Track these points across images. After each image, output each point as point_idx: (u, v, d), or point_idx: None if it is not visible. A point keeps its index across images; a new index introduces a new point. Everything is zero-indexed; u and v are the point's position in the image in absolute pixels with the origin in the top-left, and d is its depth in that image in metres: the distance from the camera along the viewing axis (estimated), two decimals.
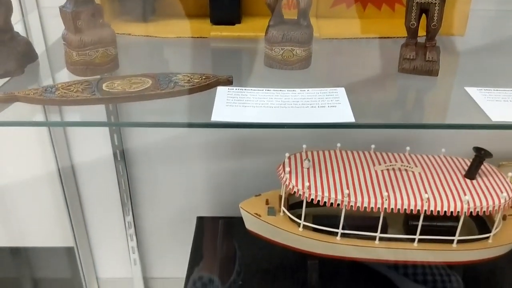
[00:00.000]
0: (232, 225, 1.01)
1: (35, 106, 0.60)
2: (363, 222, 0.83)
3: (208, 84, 0.62)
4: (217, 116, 0.57)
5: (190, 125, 0.66)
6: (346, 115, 0.57)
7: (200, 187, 1.08)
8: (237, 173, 1.06)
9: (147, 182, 1.09)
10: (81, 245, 1.19)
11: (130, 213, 1.11)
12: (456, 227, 0.79)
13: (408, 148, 0.88)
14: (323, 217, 0.84)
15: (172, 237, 1.15)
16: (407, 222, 0.84)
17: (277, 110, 0.58)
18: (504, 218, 0.85)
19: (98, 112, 0.62)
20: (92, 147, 1.06)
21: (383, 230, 0.81)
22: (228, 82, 0.63)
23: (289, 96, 0.61)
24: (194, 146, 1.04)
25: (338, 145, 0.88)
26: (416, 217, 0.80)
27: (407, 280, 0.87)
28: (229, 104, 0.59)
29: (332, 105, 0.59)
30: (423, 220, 0.79)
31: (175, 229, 1.14)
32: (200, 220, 1.06)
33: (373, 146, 0.88)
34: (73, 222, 1.15)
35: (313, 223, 0.82)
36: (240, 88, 0.63)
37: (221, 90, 0.62)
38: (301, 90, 0.62)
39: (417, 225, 0.79)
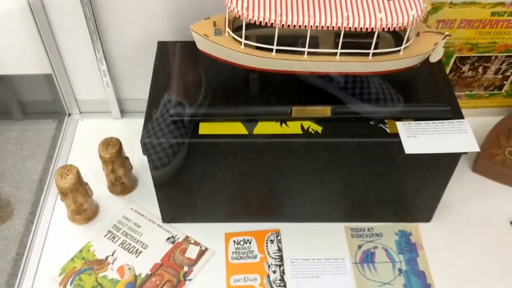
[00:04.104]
0: (189, 48, 1.13)
1: None
2: (297, 40, 0.96)
3: None
4: None
5: None
6: None
7: (161, 13, 1.17)
8: None
9: (112, 9, 1.18)
10: (58, 71, 1.32)
11: (98, 39, 1.21)
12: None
13: None
14: (263, 37, 0.97)
15: (137, 61, 1.28)
16: (335, 40, 0.98)
17: None
18: (417, 34, 0.98)
19: None
20: None
21: (313, 47, 0.94)
22: None
23: None
24: None
25: None
26: (341, 35, 0.93)
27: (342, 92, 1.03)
28: None
29: None
30: (347, 37, 0.92)
31: (139, 54, 1.26)
32: (161, 44, 1.17)
33: None
34: (48, 52, 1.27)
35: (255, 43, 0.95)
36: None
37: None
38: None
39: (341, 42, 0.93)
